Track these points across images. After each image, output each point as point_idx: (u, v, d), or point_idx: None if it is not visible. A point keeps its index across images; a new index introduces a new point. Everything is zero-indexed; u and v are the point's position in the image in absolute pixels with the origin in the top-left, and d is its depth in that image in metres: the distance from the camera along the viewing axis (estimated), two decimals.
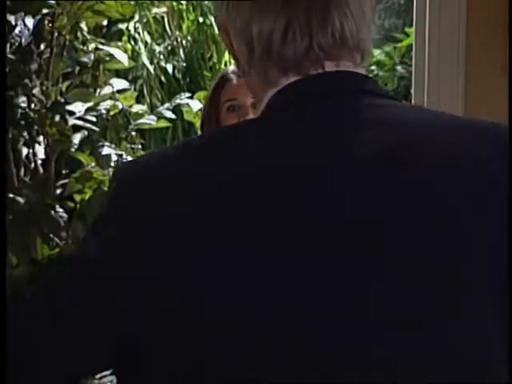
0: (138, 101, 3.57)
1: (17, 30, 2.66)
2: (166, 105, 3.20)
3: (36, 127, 2.91)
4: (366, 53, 0.89)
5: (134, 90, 3.38)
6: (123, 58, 2.93)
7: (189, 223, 0.76)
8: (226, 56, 3.79)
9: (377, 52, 5.95)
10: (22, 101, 2.84)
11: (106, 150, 2.87)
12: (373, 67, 5.74)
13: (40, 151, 3.06)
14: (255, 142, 0.81)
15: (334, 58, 0.85)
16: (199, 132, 2.44)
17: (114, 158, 2.89)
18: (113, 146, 2.93)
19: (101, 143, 2.94)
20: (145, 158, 0.90)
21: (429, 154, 0.79)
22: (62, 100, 2.89)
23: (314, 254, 0.74)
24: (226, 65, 3.81)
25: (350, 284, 0.73)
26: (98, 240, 0.79)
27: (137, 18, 3.55)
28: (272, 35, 0.85)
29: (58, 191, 3.01)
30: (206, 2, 3.70)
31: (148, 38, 3.62)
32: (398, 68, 7.14)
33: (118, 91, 3.08)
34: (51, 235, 2.77)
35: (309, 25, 0.84)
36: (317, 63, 0.85)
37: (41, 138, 2.97)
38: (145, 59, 3.50)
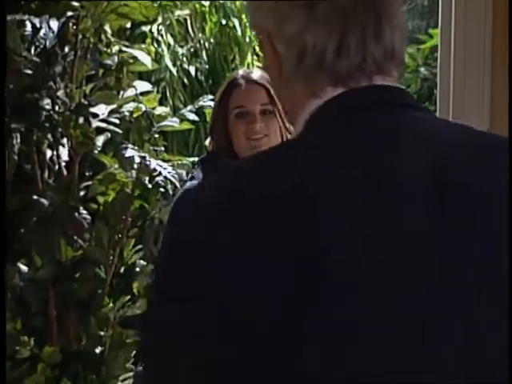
0: (161, 103, 3.57)
1: (41, 33, 2.67)
2: (189, 107, 3.20)
3: (60, 129, 2.93)
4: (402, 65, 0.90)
5: (157, 92, 3.38)
6: (147, 60, 2.93)
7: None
8: (249, 58, 3.79)
9: None
10: (47, 103, 2.86)
11: (129, 152, 2.87)
12: None
13: (64, 153, 3.07)
14: (313, 154, 0.81)
15: (382, 71, 0.86)
16: (208, 138, 2.46)
17: (137, 160, 2.90)
18: (136, 148, 2.93)
19: (124, 145, 2.95)
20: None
21: (471, 174, 0.80)
22: (86, 102, 2.90)
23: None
24: (248, 67, 3.80)
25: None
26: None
27: (160, 20, 3.56)
28: (326, 47, 0.84)
29: (82, 193, 3.02)
30: (229, 4, 3.71)
31: (171, 41, 3.62)
32: (422, 69, 7.10)
33: (141, 93, 3.09)
34: (75, 237, 2.78)
35: (364, 38, 0.84)
36: (368, 77, 0.85)
37: (64, 140, 2.99)
38: (168, 61, 3.51)
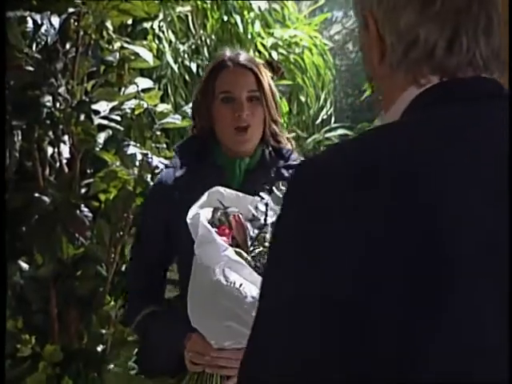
0: (163, 100, 3.54)
1: (43, 29, 2.65)
2: (191, 104, 3.17)
3: (61, 126, 2.91)
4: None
5: (159, 89, 3.36)
6: (149, 57, 2.91)
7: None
8: (251, 55, 3.76)
9: None
10: (47, 100, 2.84)
11: (131, 150, 2.85)
12: None
13: (65, 150, 3.05)
14: (409, 138, 0.80)
15: (488, 70, 0.86)
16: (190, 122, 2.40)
17: (139, 157, 2.88)
18: (138, 145, 2.91)
19: (126, 142, 2.92)
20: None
21: None
22: (87, 99, 2.88)
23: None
24: None
25: None
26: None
27: (161, 16, 3.54)
28: (437, 42, 0.85)
29: (83, 190, 3.00)
30: (231, 1, 3.69)
31: (172, 37, 3.60)
32: None
33: (143, 90, 3.07)
34: (76, 235, 2.76)
35: (476, 36, 0.84)
36: (475, 73, 0.85)
37: (65, 138, 2.97)
38: (169, 58, 3.49)
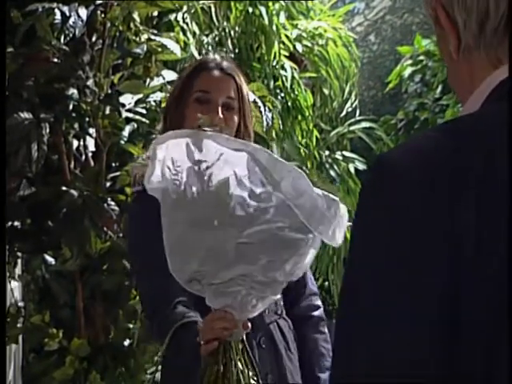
0: None
1: (71, 21, 2.63)
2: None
3: (87, 119, 2.89)
4: None
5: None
6: (176, 49, 2.88)
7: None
8: (276, 47, 3.73)
9: (426, 42, 5.84)
10: (71, 92, 2.82)
11: None
12: (422, 57, 5.64)
13: (90, 143, 3.03)
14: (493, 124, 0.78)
15: None
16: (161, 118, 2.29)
17: None
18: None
19: (153, 136, 2.90)
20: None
21: None
22: (114, 92, 2.86)
23: None
24: (275, 56, 3.75)
25: None
26: None
27: (185, 8, 3.51)
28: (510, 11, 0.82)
29: (109, 184, 2.98)
30: None
31: (196, 29, 3.57)
32: None
33: (168, 83, 3.04)
34: (104, 228, 2.74)
35: None
36: None
37: (91, 130, 2.95)
38: (193, 50, 3.46)
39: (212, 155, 1.59)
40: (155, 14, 3.21)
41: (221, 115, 1.94)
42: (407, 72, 4.93)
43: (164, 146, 1.62)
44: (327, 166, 4.16)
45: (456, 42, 0.86)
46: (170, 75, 3.07)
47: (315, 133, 3.96)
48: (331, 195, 1.60)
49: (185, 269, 1.60)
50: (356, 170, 4.28)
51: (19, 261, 3.07)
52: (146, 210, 1.95)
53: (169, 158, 1.61)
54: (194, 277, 1.60)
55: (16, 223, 2.88)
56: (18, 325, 2.98)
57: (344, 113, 4.30)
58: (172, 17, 3.35)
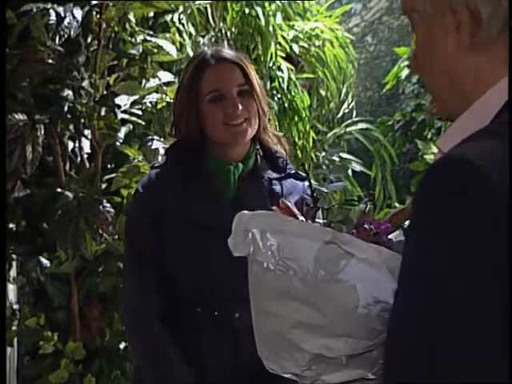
0: None
1: (66, 22, 2.61)
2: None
3: (82, 120, 2.87)
4: None
5: (179, 82, 3.31)
6: (172, 50, 2.86)
7: None
8: (272, 47, 3.71)
9: None
10: (67, 94, 2.80)
11: (155, 144, 2.81)
12: None
13: (85, 145, 3.01)
14: None
15: None
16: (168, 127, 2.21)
17: (162, 151, 2.84)
18: (162, 139, 2.87)
19: (150, 137, 2.88)
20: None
21: None
22: (110, 93, 2.84)
23: None
24: (271, 57, 3.73)
25: None
26: None
27: (181, 9, 3.49)
28: None
29: (104, 186, 2.96)
30: None
31: (192, 30, 3.55)
32: None
33: (164, 84, 3.02)
34: (100, 230, 2.72)
35: None
36: None
37: (86, 132, 2.93)
38: (189, 51, 3.44)
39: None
40: (151, 14, 3.19)
41: (240, 107, 1.91)
42: (404, 73, 4.91)
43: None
44: (324, 167, 4.14)
45: (469, 37, 0.84)
46: (165, 76, 3.06)
47: (312, 134, 3.94)
48: None
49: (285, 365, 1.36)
50: (353, 171, 4.26)
51: (14, 263, 3.05)
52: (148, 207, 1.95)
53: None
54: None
55: (11, 225, 2.86)
56: (13, 327, 2.96)
57: (341, 114, 4.28)
58: (168, 17, 3.33)
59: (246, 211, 1.40)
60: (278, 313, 1.31)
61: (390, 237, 1.33)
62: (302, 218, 1.41)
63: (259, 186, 1.97)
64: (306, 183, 2.02)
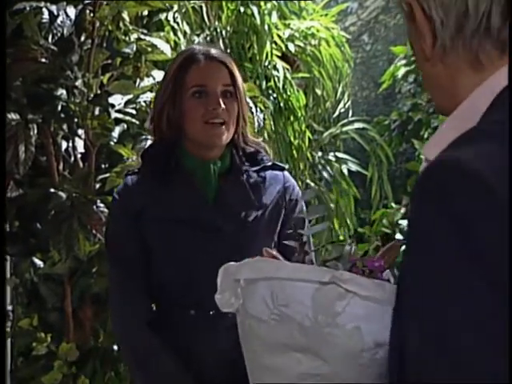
0: None
1: (59, 21, 2.58)
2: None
3: (76, 120, 2.85)
4: None
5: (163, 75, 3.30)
6: (166, 49, 2.84)
7: None
8: (268, 47, 3.69)
9: None
10: (60, 93, 2.78)
11: (148, 144, 2.78)
12: None
13: (79, 145, 2.99)
14: None
15: None
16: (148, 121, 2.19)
17: None
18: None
19: (144, 137, 2.86)
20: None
21: None
22: (104, 92, 2.81)
23: None
24: (267, 56, 3.71)
25: None
26: None
27: (175, 7, 3.47)
28: (491, 12, 0.77)
29: (98, 186, 2.94)
30: None
31: (187, 29, 3.53)
32: None
33: (158, 83, 3.00)
34: (93, 231, 2.70)
35: None
36: None
37: (80, 131, 2.91)
38: None
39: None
40: (145, 13, 3.16)
41: (223, 105, 1.89)
42: (401, 72, 4.89)
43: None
44: (320, 167, 4.12)
45: (431, 41, 0.82)
46: (160, 75, 3.03)
47: (308, 134, 3.92)
48: None
49: None
50: (349, 171, 4.25)
51: (7, 264, 3.03)
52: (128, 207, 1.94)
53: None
54: None
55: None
56: (7, 329, 2.94)
57: (337, 113, 4.26)
58: (162, 16, 3.31)
59: (232, 263, 1.31)
60: (278, 367, 1.21)
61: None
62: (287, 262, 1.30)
63: (239, 181, 1.95)
64: (286, 173, 2.02)
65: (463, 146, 0.74)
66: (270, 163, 2.01)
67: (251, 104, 2.85)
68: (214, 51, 1.96)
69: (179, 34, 3.47)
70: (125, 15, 2.82)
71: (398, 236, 4.49)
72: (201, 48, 1.97)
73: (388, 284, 1.19)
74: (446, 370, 0.69)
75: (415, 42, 0.85)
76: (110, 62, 2.93)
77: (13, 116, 2.63)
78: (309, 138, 3.97)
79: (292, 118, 3.84)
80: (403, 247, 0.78)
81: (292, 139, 3.86)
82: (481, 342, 0.68)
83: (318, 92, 4.08)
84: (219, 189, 1.94)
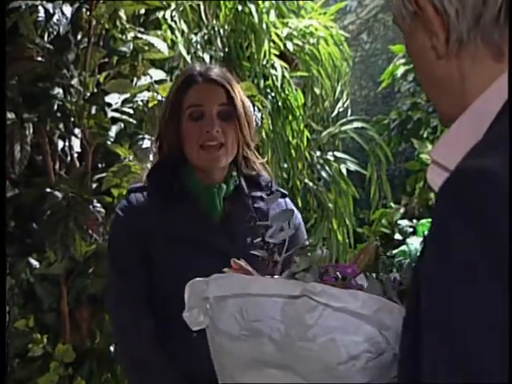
0: None
1: (54, 19, 2.56)
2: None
3: (72, 119, 2.82)
4: None
5: (171, 80, 3.27)
6: (163, 48, 2.82)
7: None
8: (266, 45, 3.66)
9: None
10: (57, 92, 2.75)
11: (146, 144, 2.77)
12: None
13: (75, 144, 2.96)
14: None
15: None
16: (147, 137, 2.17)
17: (154, 151, 2.79)
18: (153, 138, 2.82)
19: (140, 136, 2.84)
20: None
21: None
22: (100, 91, 2.79)
23: None
24: (265, 55, 3.68)
25: None
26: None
27: (173, 6, 3.44)
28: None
29: (95, 185, 2.92)
30: None
31: (184, 27, 3.50)
32: None
33: (156, 82, 2.98)
34: (90, 231, 2.68)
35: None
36: None
37: (76, 131, 2.88)
38: (182, 49, 3.39)
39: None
40: (142, 11, 3.14)
41: (216, 127, 1.88)
42: (400, 71, 4.87)
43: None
44: (318, 166, 4.10)
45: (444, 36, 0.79)
46: (157, 74, 3.01)
47: (306, 133, 3.90)
48: None
49: None
50: (348, 170, 4.23)
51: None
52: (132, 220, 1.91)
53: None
54: None
55: None
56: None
57: (336, 113, 4.23)
58: (160, 14, 3.29)
59: (198, 278, 1.28)
60: None
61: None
62: (256, 274, 1.29)
63: (244, 204, 1.94)
64: (287, 199, 2.03)
65: (490, 154, 0.71)
66: (273, 188, 2.00)
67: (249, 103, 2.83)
68: (212, 72, 1.95)
69: (176, 32, 3.45)
70: (121, 13, 2.80)
71: (397, 236, 4.47)
72: (200, 68, 1.97)
73: (361, 293, 1.16)
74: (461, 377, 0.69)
75: (418, 41, 0.82)
76: (106, 60, 2.91)
77: (8, 115, 2.61)
78: (307, 138, 3.95)
79: (290, 117, 3.82)
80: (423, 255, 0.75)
81: (290, 138, 3.83)
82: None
83: (317, 91, 4.06)
84: (224, 212, 1.93)
